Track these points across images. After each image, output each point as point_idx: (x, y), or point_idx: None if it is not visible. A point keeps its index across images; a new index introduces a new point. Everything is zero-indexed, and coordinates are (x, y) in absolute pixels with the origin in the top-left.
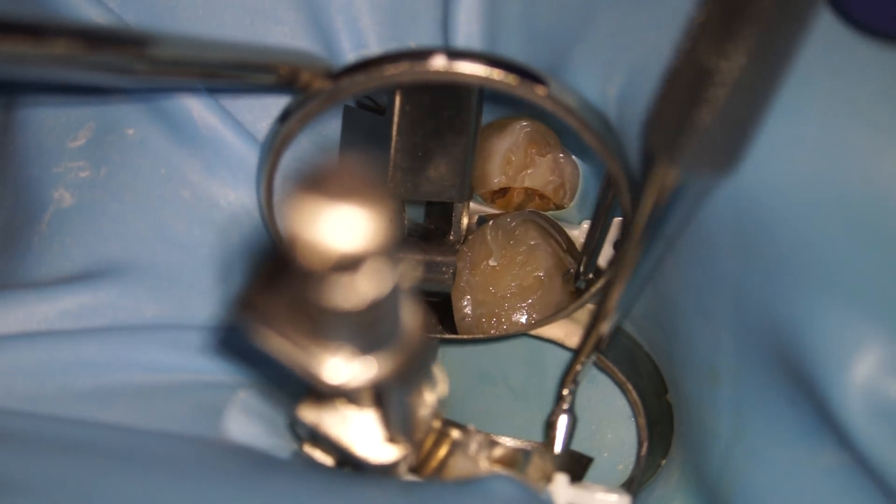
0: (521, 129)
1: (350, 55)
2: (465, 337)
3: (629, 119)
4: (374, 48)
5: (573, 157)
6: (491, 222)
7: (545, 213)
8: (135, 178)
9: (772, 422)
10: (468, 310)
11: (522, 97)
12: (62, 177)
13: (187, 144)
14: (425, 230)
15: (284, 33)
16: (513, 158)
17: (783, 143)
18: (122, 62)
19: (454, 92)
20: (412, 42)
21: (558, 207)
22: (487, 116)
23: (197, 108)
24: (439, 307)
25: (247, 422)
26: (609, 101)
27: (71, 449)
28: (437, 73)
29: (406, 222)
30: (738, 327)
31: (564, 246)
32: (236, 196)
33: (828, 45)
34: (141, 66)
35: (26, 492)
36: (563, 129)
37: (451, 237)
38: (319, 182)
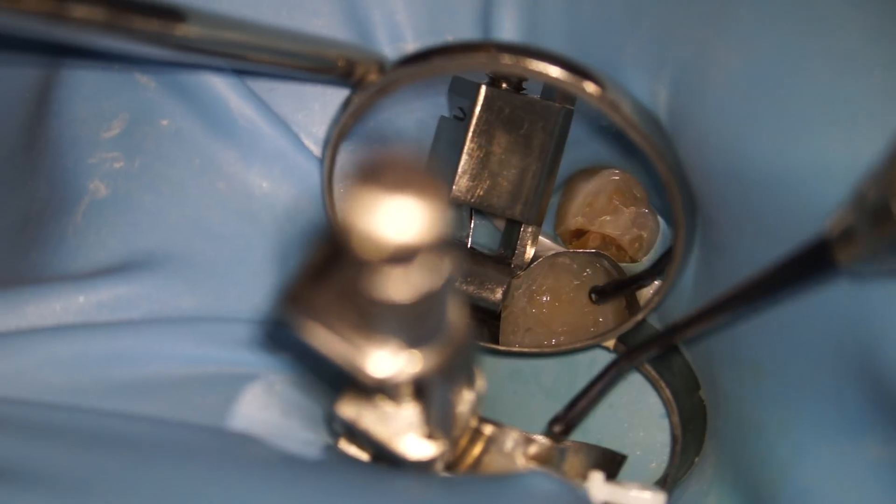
0: (609, 176)
1: (387, 49)
2: (501, 349)
3: (679, 118)
4: (411, 42)
5: (658, 217)
6: (559, 257)
7: (617, 264)
8: (170, 169)
9: (818, 416)
10: (515, 334)
11: (571, 93)
12: (97, 168)
13: (222, 135)
14: (492, 249)
15: (321, 26)
16: (595, 203)
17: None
18: (150, 35)
19: (536, 111)
20: (449, 36)
21: (632, 261)
22: (584, 160)
23: (233, 98)
24: (487, 320)
25: (263, 404)
26: (658, 100)
27: (106, 441)
28: (483, 64)
29: (471, 233)
30: (785, 323)
31: (628, 299)
32: (271, 187)
33: None
34: (172, 42)
35: (62, 485)
36: (652, 187)
37: (513, 262)
38: (377, 173)
